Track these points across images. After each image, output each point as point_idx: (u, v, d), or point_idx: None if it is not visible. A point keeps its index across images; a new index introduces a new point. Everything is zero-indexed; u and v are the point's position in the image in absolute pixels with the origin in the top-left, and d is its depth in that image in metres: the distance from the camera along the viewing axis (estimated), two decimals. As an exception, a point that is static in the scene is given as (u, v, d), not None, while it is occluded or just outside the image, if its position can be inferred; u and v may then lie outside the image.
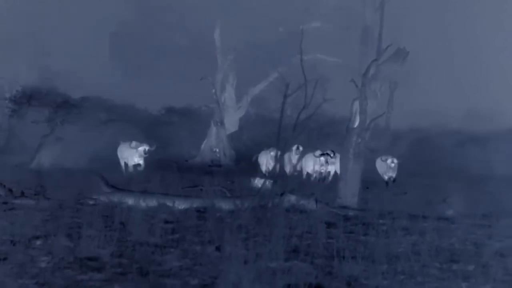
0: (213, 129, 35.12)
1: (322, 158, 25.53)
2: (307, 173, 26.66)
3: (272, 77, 39.76)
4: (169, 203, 15.99)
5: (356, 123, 18.08)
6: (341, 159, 18.25)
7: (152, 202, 15.99)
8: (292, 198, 16.35)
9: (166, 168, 25.54)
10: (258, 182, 20.06)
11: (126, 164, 26.05)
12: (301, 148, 27.17)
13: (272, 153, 25.96)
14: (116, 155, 26.70)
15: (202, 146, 34.39)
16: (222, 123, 35.38)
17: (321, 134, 37.64)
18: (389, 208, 16.30)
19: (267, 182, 18.39)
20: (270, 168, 25.02)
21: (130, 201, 16.03)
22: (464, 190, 22.08)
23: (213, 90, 35.51)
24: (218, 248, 11.54)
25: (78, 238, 11.68)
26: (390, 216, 15.36)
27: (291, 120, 19.04)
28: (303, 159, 26.56)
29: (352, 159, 17.89)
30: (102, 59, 45.01)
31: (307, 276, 9.91)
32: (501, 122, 41.65)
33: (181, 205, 15.99)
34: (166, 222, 14.06)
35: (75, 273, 9.90)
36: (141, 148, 25.52)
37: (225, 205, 15.81)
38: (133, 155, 25.60)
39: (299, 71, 20.75)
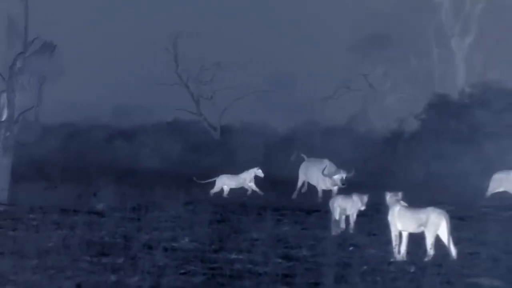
0: None
1: None
2: None
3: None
4: None
5: (4, 116, 17.71)
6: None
7: None
8: None
9: None
10: None
11: None
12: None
13: None
14: None
15: None
16: None
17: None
18: (40, 202, 16.18)
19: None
20: None
21: None
22: (114, 184, 22.45)
23: None
24: None
25: None
26: (41, 211, 15.26)
27: None
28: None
29: (1, 153, 17.51)
30: None
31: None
32: (148, 118, 42.85)
33: None
34: None
35: None
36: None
37: None
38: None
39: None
